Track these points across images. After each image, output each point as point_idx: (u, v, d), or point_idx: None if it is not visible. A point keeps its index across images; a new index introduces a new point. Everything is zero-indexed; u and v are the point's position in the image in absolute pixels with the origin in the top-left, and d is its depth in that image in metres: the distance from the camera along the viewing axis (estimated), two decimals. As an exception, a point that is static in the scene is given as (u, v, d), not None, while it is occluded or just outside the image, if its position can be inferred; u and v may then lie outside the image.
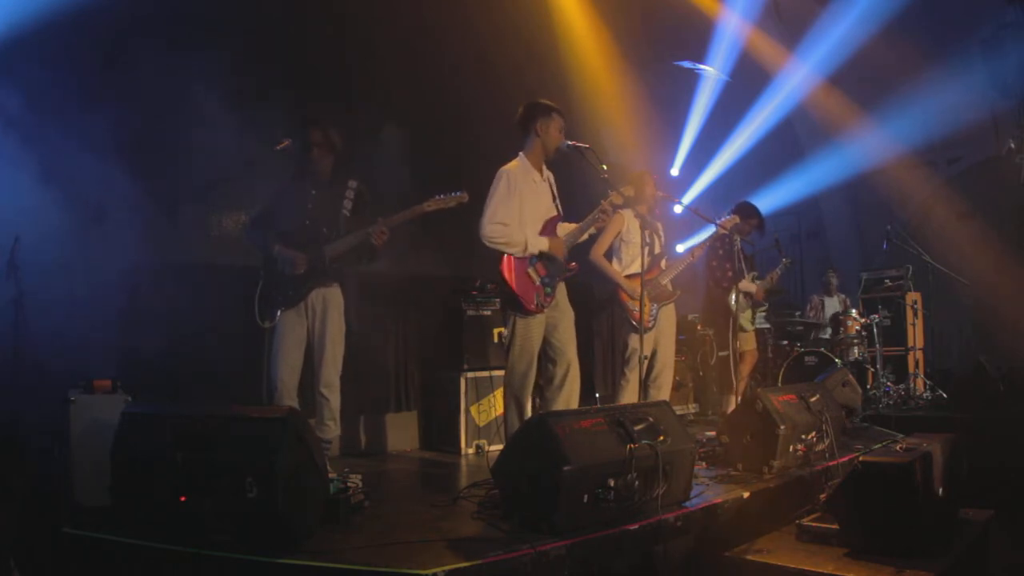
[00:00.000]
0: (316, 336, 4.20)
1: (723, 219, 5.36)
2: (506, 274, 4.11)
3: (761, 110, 9.22)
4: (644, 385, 4.92)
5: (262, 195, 4.35)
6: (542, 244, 4.15)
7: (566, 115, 4.29)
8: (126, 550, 2.78)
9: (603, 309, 7.15)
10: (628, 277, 5.09)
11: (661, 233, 5.33)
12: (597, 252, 5.09)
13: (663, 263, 5.23)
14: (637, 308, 4.84)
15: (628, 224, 5.13)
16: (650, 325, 5.03)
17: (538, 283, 4.14)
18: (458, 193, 4.19)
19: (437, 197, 4.18)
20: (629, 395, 4.94)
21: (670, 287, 5.21)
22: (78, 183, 4.11)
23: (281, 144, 4.17)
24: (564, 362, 4.21)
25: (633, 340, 5.00)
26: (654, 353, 5.13)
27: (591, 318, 7.11)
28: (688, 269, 5.37)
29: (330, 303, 4.20)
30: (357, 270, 4.51)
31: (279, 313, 4.11)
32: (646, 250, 4.72)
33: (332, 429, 4.24)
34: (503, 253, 4.10)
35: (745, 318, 6.02)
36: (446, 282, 5.90)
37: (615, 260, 5.20)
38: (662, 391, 5.09)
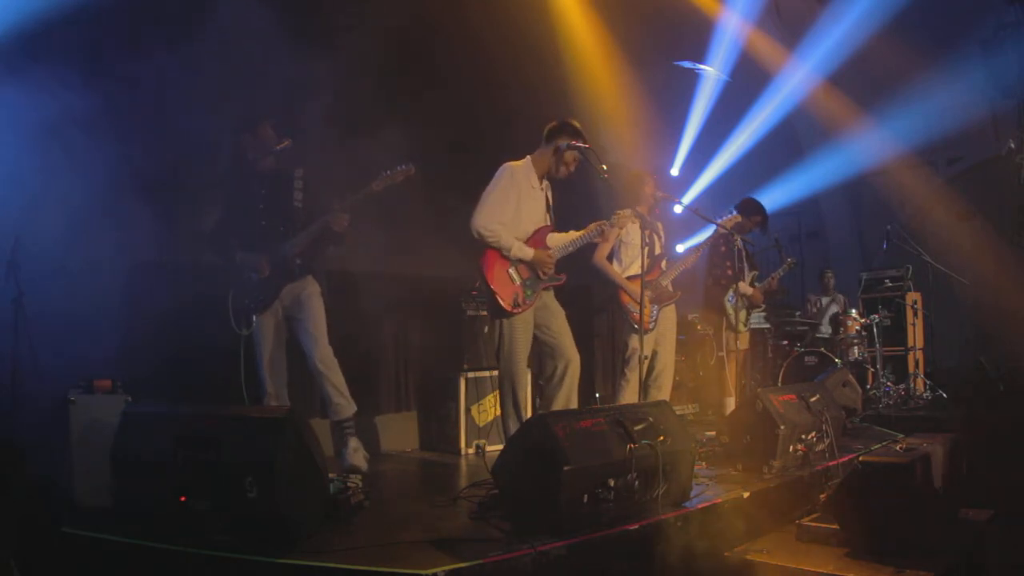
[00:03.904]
0: (295, 323, 4.20)
1: (724, 218, 5.36)
2: (484, 271, 4.13)
3: (761, 110, 9.22)
4: (644, 386, 4.92)
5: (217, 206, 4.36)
6: (526, 255, 4.15)
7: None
8: (126, 550, 2.78)
9: (603, 309, 7.15)
10: (628, 279, 5.09)
11: (661, 234, 5.33)
12: (600, 255, 5.09)
13: (663, 264, 5.23)
14: (637, 310, 4.84)
15: (628, 225, 5.12)
16: (651, 326, 5.03)
17: (518, 283, 4.15)
18: (404, 167, 4.15)
19: (385, 174, 4.14)
20: (629, 396, 4.94)
21: (670, 288, 5.21)
22: (78, 183, 4.11)
23: (281, 144, 4.18)
24: (563, 359, 4.21)
25: (633, 341, 5.00)
26: (655, 354, 5.13)
27: (591, 318, 7.10)
28: (688, 269, 5.37)
29: (303, 292, 4.21)
30: (327, 258, 4.50)
31: (255, 318, 4.14)
32: (646, 251, 4.72)
33: (344, 407, 4.22)
34: (484, 249, 4.13)
35: (739, 318, 6.00)
36: (445, 282, 5.89)
37: (615, 261, 5.20)
38: (662, 392, 5.09)
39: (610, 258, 5.20)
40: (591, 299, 7.01)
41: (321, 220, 4.11)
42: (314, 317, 4.20)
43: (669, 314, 5.24)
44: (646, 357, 4.84)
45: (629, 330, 5.06)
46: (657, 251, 5.15)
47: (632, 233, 5.07)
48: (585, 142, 4.25)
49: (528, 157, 4.29)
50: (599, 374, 7.13)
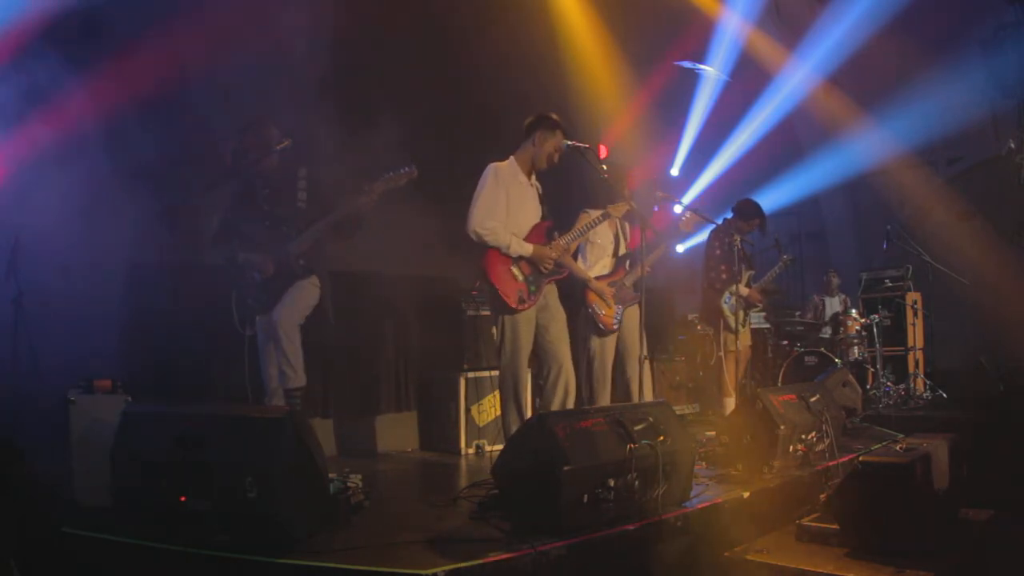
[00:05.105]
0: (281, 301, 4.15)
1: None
2: (487, 270, 4.16)
3: (761, 110, 9.21)
4: (620, 383, 4.96)
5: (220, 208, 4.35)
6: (525, 250, 4.19)
7: (568, 120, 4.35)
8: (126, 550, 2.78)
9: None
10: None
11: (627, 235, 5.25)
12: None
13: (627, 264, 5.16)
14: (603, 310, 4.85)
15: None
16: (615, 326, 4.99)
17: (521, 280, 4.18)
18: (407, 169, 4.14)
19: (387, 175, 4.12)
20: (604, 395, 4.93)
21: (632, 290, 5.15)
22: (78, 183, 4.11)
23: (281, 144, 4.17)
24: (556, 364, 4.23)
25: (593, 341, 4.96)
26: (620, 352, 5.10)
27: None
28: (686, 269, 5.35)
29: (301, 286, 4.18)
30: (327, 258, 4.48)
31: (257, 319, 4.14)
32: (610, 249, 4.71)
33: (292, 377, 4.11)
34: (485, 250, 4.15)
35: (738, 319, 5.97)
36: (445, 282, 5.89)
37: (579, 259, 5.16)
38: (634, 392, 5.04)
39: (575, 256, 5.17)
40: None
41: (350, 204, 4.08)
42: (296, 297, 4.15)
43: (632, 315, 5.14)
44: (647, 357, 4.81)
45: (590, 330, 4.99)
46: (622, 251, 5.13)
47: (599, 233, 5.03)
48: (566, 133, 4.30)
49: (512, 156, 4.33)
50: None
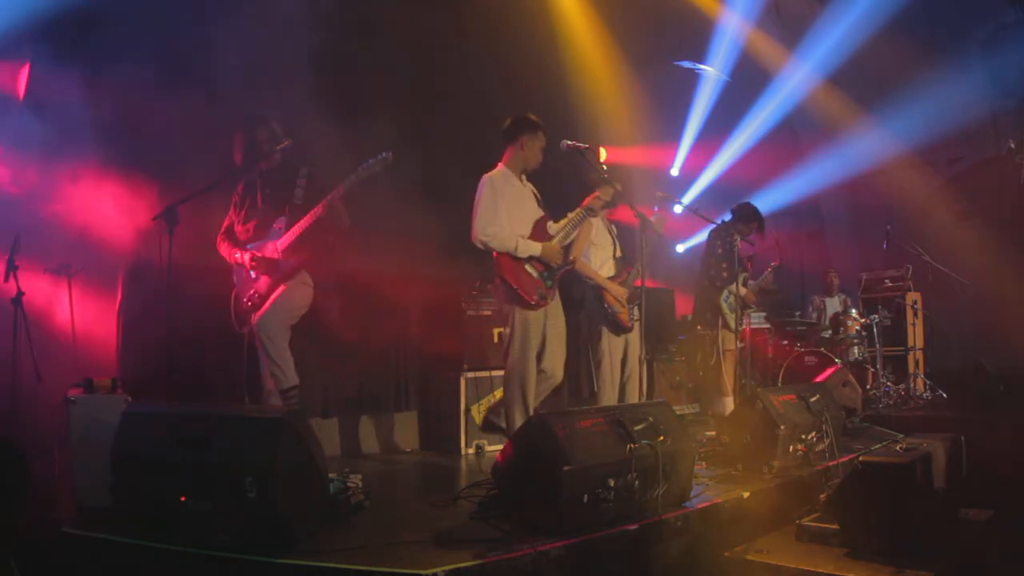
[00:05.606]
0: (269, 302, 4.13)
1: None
2: (502, 270, 4.21)
3: (761, 110, 9.21)
4: (620, 386, 4.96)
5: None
6: (534, 249, 4.26)
7: (568, 120, 4.36)
8: (126, 550, 2.78)
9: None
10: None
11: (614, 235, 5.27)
12: (575, 256, 5.07)
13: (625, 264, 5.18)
14: (620, 310, 4.85)
15: (595, 227, 5.09)
16: (631, 325, 5.01)
17: (536, 277, 4.26)
18: (383, 156, 4.06)
19: (365, 164, 4.06)
20: (610, 395, 4.93)
21: (634, 288, 5.15)
22: (78, 182, 4.11)
23: (282, 144, 4.17)
24: (546, 372, 4.31)
25: (604, 341, 4.95)
26: (626, 354, 5.10)
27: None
28: (686, 269, 5.35)
29: (288, 287, 4.16)
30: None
31: (251, 317, 4.14)
32: (610, 250, 4.68)
33: (281, 380, 4.07)
34: (496, 253, 4.21)
35: (732, 318, 5.97)
36: (445, 282, 5.89)
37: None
38: (635, 391, 5.05)
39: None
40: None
41: (312, 213, 4.08)
42: (282, 299, 4.13)
43: (635, 313, 5.19)
44: (659, 359, 4.82)
45: (604, 329, 4.96)
46: (618, 254, 5.13)
47: (600, 235, 5.04)
48: (545, 132, 4.36)
49: (500, 163, 4.39)
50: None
